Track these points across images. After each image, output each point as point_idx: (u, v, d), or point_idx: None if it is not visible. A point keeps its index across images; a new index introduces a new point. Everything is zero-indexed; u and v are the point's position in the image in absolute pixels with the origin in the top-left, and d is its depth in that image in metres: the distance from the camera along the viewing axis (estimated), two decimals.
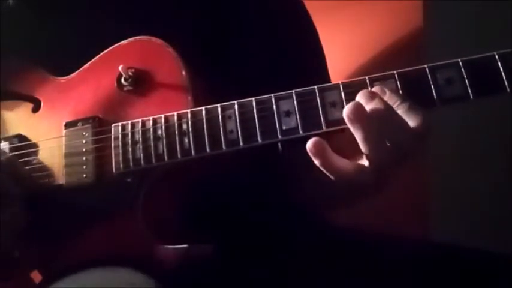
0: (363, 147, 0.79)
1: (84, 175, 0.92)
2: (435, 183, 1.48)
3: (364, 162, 0.81)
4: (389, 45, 1.51)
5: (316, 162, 0.81)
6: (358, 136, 0.79)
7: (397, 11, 1.50)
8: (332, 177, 0.82)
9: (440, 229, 1.44)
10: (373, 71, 0.84)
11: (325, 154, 0.80)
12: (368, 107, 0.79)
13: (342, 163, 0.82)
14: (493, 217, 1.43)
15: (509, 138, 1.37)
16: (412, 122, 0.79)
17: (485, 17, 1.41)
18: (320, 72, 1.10)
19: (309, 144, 0.80)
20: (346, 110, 0.79)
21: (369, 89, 0.82)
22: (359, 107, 0.78)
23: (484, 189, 1.43)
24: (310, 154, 0.80)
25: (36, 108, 0.99)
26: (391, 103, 0.79)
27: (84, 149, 0.93)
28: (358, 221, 1.16)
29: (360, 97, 0.80)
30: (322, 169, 0.81)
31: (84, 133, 0.94)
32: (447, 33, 1.43)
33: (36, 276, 0.96)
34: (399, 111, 0.79)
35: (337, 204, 1.09)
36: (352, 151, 0.81)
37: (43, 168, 0.96)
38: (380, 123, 0.78)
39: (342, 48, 1.50)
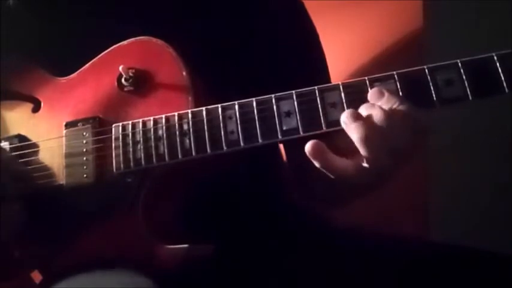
0: (361, 150, 0.80)
1: (85, 175, 0.92)
2: (435, 183, 1.48)
3: (363, 162, 0.82)
4: (390, 45, 1.51)
5: (316, 163, 0.81)
6: (355, 140, 0.80)
7: (397, 11, 1.50)
8: (332, 176, 0.82)
9: (440, 229, 1.45)
10: (373, 71, 0.85)
11: (324, 156, 0.81)
12: (367, 114, 0.79)
13: (342, 163, 0.82)
14: (493, 217, 1.43)
15: (509, 138, 1.37)
16: (411, 123, 0.79)
17: (485, 17, 1.42)
18: (320, 72, 1.10)
19: (308, 147, 0.80)
20: (342, 116, 0.80)
21: (369, 89, 0.82)
22: (354, 113, 0.80)
23: (484, 189, 1.44)
24: (309, 156, 0.80)
25: (36, 109, 0.99)
26: (389, 104, 0.80)
27: (84, 149, 0.93)
28: (358, 221, 1.16)
29: (362, 108, 0.81)
30: (322, 169, 0.82)
31: (84, 133, 0.94)
32: (447, 33, 1.43)
33: (36, 276, 0.96)
34: (398, 113, 0.79)
35: (337, 202, 1.09)
36: (353, 150, 0.81)
37: (43, 169, 0.96)
38: (379, 129, 0.79)
39: (342, 49, 1.50)
